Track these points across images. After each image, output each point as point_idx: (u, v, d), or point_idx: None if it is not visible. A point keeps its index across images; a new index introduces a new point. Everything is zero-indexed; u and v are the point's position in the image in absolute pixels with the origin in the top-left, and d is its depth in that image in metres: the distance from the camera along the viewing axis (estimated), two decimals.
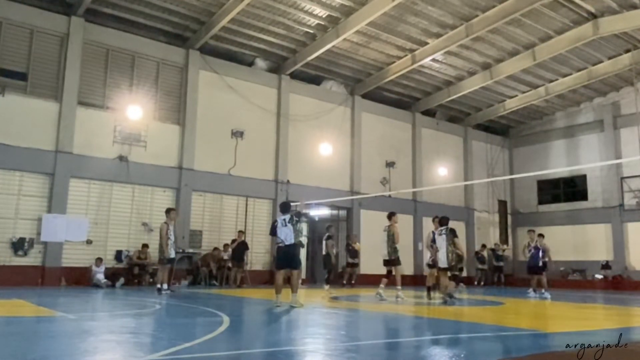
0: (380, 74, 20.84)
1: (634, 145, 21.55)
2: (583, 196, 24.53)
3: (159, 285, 12.44)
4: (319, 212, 22.05)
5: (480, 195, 25.73)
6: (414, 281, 20.59)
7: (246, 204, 18.48)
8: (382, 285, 11.75)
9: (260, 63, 19.50)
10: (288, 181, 19.25)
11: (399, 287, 11.68)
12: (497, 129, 27.14)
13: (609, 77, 21.85)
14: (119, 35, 16.56)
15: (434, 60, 19.94)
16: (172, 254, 12.66)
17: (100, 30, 16.26)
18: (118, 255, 15.84)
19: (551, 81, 22.27)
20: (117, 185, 16.07)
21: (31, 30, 15.21)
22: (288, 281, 9.62)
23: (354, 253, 17.91)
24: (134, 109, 15.98)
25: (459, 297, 12.41)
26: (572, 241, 23.77)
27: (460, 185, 24.09)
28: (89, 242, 15.40)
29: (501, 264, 23.38)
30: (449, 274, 11.16)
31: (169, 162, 17.03)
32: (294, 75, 20.05)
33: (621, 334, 6.43)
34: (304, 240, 18.00)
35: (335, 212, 21.77)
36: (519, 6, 16.18)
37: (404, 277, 12.41)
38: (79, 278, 14.91)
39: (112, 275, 15.01)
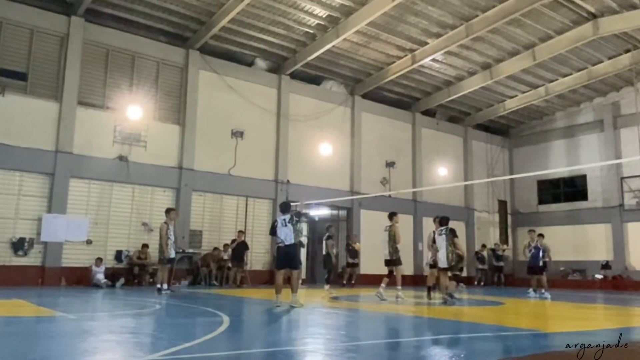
0: (380, 74, 20.85)
1: (634, 145, 21.56)
2: (583, 196, 24.53)
3: (159, 285, 12.44)
4: (319, 212, 22.05)
5: (480, 195, 25.73)
6: (414, 281, 20.59)
7: (246, 204, 18.48)
8: (383, 285, 11.75)
9: (260, 63, 19.50)
10: (288, 181, 19.26)
11: (399, 287, 11.67)
12: (497, 129, 27.14)
13: (609, 77, 21.85)
14: (119, 35, 16.56)
15: (434, 60, 19.94)
16: (172, 254, 12.66)
17: (100, 30, 16.26)
18: (118, 255, 15.84)
19: (551, 81, 22.27)
20: (117, 185, 16.08)
21: (31, 30, 15.21)
22: (288, 281, 9.62)
23: (354, 253, 17.91)
24: (134, 109, 15.98)
25: (459, 297, 12.41)
26: (572, 241, 23.77)
27: (460, 185, 24.09)
28: (89, 242, 15.40)
29: (501, 264, 23.37)
30: (449, 274, 11.16)
31: (169, 162, 17.03)
32: (294, 75, 20.05)
33: (621, 334, 6.42)
34: (304, 240, 18.03)
35: (335, 212, 21.77)
36: (519, 6, 16.19)
37: (404, 277, 12.40)
38: (79, 278, 14.92)
39: (112, 275, 15.01)
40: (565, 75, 21.77)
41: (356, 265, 18.21)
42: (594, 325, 8.13)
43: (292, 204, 10.87)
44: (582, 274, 23.33)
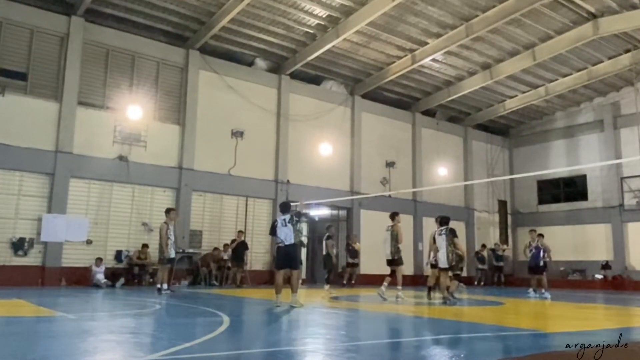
0: (380, 74, 20.84)
1: (634, 145, 21.57)
2: (583, 196, 24.53)
3: (159, 285, 12.44)
4: (319, 212, 22.04)
5: (480, 195, 25.73)
6: (414, 281, 20.59)
7: (246, 204, 18.48)
8: (385, 284, 11.75)
9: (260, 63, 19.50)
10: (288, 181, 19.26)
11: (400, 287, 11.68)
12: (497, 129, 27.14)
13: (609, 77, 21.85)
14: (119, 35, 16.56)
15: (434, 60, 19.94)
16: (172, 254, 12.65)
17: (100, 30, 16.26)
18: (118, 255, 15.84)
19: (551, 81, 22.27)
20: (117, 185, 16.08)
21: (31, 30, 15.21)
22: (288, 281, 9.61)
23: (354, 253, 17.90)
24: (134, 109, 15.98)
25: (459, 297, 12.41)
26: (572, 241, 23.77)
27: (460, 185, 24.09)
28: (89, 242, 15.40)
29: (501, 264, 23.39)
30: (450, 273, 11.16)
31: (169, 162, 17.03)
32: (294, 75, 20.05)
33: (621, 334, 6.43)
34: (304, 240, 18.03)
35: (335, 212, 21.77)
36: (519, 6, 16.18)
37: (404, 277, 12.40)
38: (79, 278, 14.92)
39: (112, 275, 15.02)
40: (565, 75, 21.77)
41: (356, 265, 18.20)
42: (594, 325, 8.13)
43: (292, 204, 10.87)
44: (582, 274, 23.34)
